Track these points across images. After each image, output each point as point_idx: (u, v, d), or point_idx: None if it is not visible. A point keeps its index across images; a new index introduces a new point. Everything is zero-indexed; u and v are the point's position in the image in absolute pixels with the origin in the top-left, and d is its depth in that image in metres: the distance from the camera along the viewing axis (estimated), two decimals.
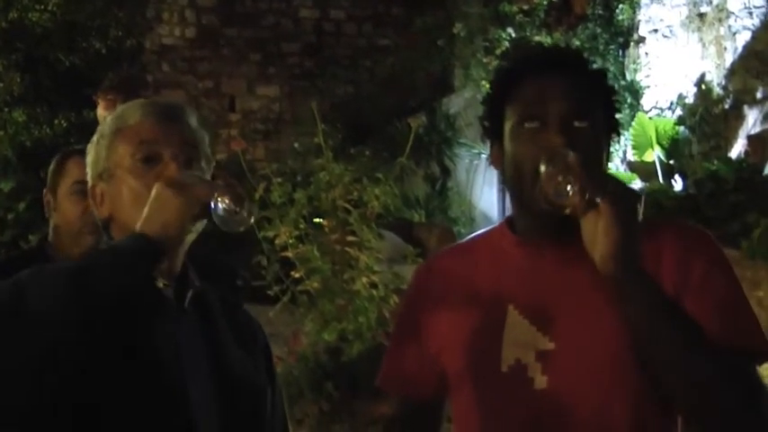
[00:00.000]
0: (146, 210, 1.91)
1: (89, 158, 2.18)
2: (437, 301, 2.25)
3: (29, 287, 1.82)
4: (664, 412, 2.03)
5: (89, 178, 2.17)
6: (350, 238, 5.50)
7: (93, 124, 8.13)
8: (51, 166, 3.48)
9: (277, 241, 5.46)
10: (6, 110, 10.78)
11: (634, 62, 10.07)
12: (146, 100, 2.24)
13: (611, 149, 2.28)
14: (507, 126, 2.13)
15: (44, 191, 3.39)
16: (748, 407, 1.92)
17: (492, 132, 2.21)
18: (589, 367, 2.00)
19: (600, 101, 2.14)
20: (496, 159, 2.19)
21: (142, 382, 1.94)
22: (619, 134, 2.26)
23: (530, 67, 2.18)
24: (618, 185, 1.91)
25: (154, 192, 1.91)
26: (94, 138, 2.18)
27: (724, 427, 1.95)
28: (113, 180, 2.10)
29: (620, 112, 2.30)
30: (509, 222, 2.20)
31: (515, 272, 2.13)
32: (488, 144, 2.24)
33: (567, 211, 1.91)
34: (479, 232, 2.38)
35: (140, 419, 1.93)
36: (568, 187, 1.88)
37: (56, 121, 10.81)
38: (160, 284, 2.04)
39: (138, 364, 1.95)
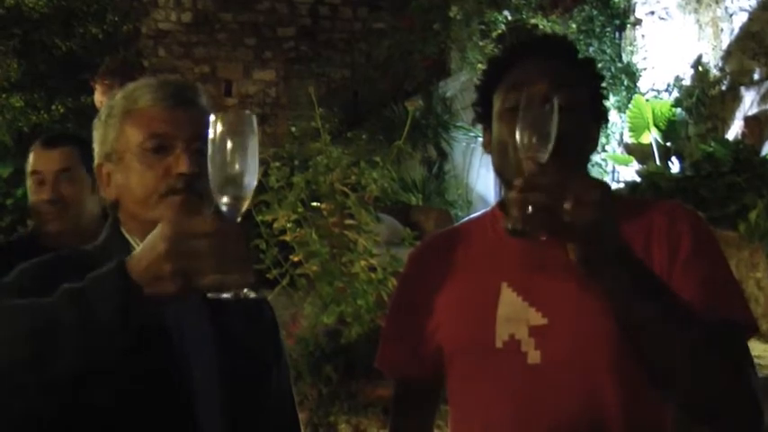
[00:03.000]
0: (145, 242, 1.60)
1: (96, 135, 2.17)
2: (432, 281, 2.29)
3: None
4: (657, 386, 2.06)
5: (96, 156, 2.16)
6: (348, 222, 5.51)
7: (91, 109, 8.16)
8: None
9: (275, 225, 5.47)
10: (4, 95, 10.78)
11: (631, 44, 10.06)
12: (157, 80, 2.19)
13: (605, 134, 2.30)
14: (494, 111, 2.21)
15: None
16: (734, 380, 1.94)
17: (483, 118, 2.29)
18: (582, 342, 2.04)
19: (586, 88, 2.18)
20: (487, 144, 2.27)
21: (142, 360, 1.94)
22: (606, 121, 2.32)
23: (517, 55, 2.24)
24: (581, 184, 1.81)
25: (166, 234, 1.57)
26: (102, 114, 2.16)
27: (709, 401, 1.97)
28: (122, 163, 2.09)
29: (606, 98, 2.32)
30: (501, 205, 2.26)
31: (508, 251, 2.16)
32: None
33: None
34: (472, 216, 2.44)
35: (138, 395, 1.92)
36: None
37: (53, 107, 10.81)
38: None
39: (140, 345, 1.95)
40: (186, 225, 1.56)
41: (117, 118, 2.11)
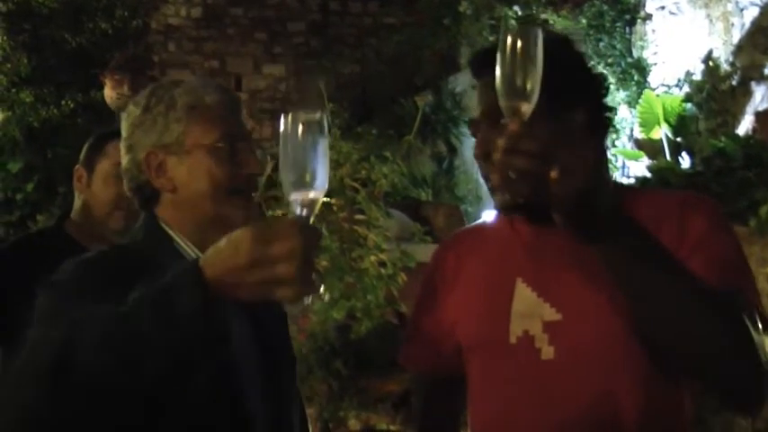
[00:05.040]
0: (223, 247, 1.54)
1: (145, 125, 2.17)
2: (451, 278, 2.32)
3: (75, 347, 1.59)
4: (672, 382, 2.05)
5: (142, 145, 2.18)
6: (358, 217, 5.52)
7: (101, 104, 8.16)
8: (89, 144, 3.52)
9: None
10: (13, 90, 10.77)
11: (641, 39, 10.03)
12: (204, 79, 2.34)
13: (615, 129, 2.27)
14: None
15: (77, 167, 3.42)
16: (740, 351, 1.90)
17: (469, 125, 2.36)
18: (595, 337, 2.04)
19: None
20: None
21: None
22: (606, 122, 2.25)
23: (477, 68, 2.26)
24: (569, 151, 1.76)
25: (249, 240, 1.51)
26: (152, 106, 2.18)
27: (715, 373, 1.93)
28: (188, 157, 2.13)
29: (607, 93, 2.28)
30: None
31: (523, 247, 2.19)
32: None
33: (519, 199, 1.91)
34: (490, 215, 2.44)
35: (195, 398, 1.92)
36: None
37: (63, 102, 10.80)
38: (194, 256, 2.08)
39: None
40: (269, 232, 1.50)
41: (181, 112, 2.15)
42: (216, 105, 2.17)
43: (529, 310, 2.10)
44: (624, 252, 1.83)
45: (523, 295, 2.14)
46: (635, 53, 9.95)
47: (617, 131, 9.40)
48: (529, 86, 1.73)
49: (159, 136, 2.15)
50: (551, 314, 2.08)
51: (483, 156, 2.16)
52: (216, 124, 2.14)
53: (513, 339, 2.13)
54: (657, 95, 9.15)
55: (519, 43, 1.74)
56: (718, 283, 1.93)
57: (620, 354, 2.01)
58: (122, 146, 2.24)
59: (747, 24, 8.74)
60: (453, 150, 12.49)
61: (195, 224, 2.13)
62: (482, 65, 2.21)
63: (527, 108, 1.73)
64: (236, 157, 2.14)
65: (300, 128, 1.61)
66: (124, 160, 2.23)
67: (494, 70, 2.04)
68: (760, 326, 1.93)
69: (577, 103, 2.17)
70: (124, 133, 2.22)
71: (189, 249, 2.13)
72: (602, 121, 2.25)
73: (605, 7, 9.97)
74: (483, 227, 2.42)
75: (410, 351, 2.48)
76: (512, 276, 2.17)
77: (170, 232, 2.14)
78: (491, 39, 10.43)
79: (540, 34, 1.76)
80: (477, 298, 2.22)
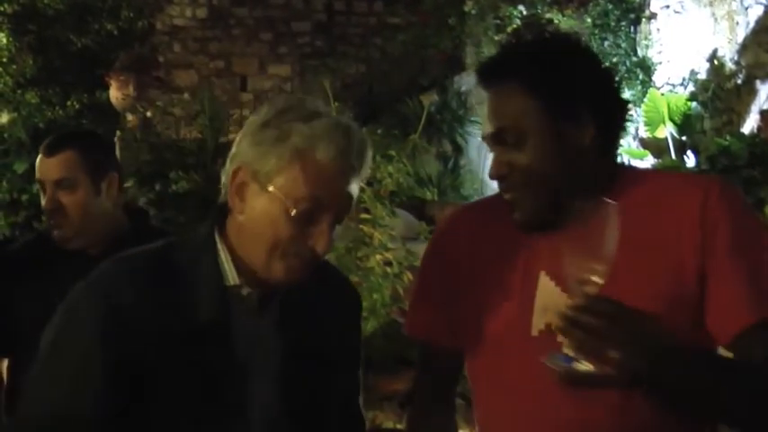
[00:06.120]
0: None
1: (253, 138, 2.05)
2: (467, 257, 2.28)
3: None
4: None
5: (241, 155, 2.06)
6: (364, 216, 5.51)
7: (106, 105, 8.18)
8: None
9: None
10: (19, 92, 10.81)
11: (646, 38, 10.03)
12: (342, 124, 2.07)
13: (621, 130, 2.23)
14: None
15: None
16: None
17: None
18: None
19: (542, 101, 2.09)
20: None
21: (207, 366, 2.02)
22: (613, 128, 2.22)
23: (486, 77, 2.20)
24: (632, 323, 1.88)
25: None
26: (270, 124, 2.04)
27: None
28: (267, 194, 2.01)
29: (606, 97, 2.21)
30: None
31: (547, 238, 2.15)
32: None
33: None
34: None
35: (197, 413, 2.01)
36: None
37: (68, 103, 10.82)
38: (244, 292, 2.07)
39: (206, 352, 2.02)
40: None
41: (288, 151, 2.00)
42: (325, 163, 1.99)
43: (552, 303, 2.07)
44: (690, 386, 1.94)
45: (547, 288, 2.12)
46: (640, 52, 9.96)
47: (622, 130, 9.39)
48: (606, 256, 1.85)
49: (257, 158, 2.02)
50: None
51: (498, 177, 2.16)
52: (310, 182, 1.98)
53: (534, 332, 2.12)
54: (662, 94, 9.16)
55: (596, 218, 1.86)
56: (751, 306, 1.97)
57: None
58: (234, 146, 2.12)
59: (752, 23, 8.74)
60: (459, 150, 12.50)
61: (247, 254, 2.06)
62: (491, 73, 2.18)
63: (600, 277, 1.85)
64: (311, 224, 1.99)
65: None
66: (227, 163, 2.12)
67: (502, 79, 2.10)
68: None
69: (584, 119, 2.12)
70: (239, 136, 2.11)
71: (229, 271, 2.07)
72: (612, 139, 2.23)
73: (610, 6, 9.97)
74: (496, 205, 2.28)
75: (419, 317, 2.46)
76: (536, 268, 2.16)
77: (219, 247, 2.08)
78: (496, 38, 10.44)
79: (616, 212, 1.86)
80: (500, 288, 2.20)
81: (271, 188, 1.99)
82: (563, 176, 2.11)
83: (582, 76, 2.13)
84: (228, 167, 2.08)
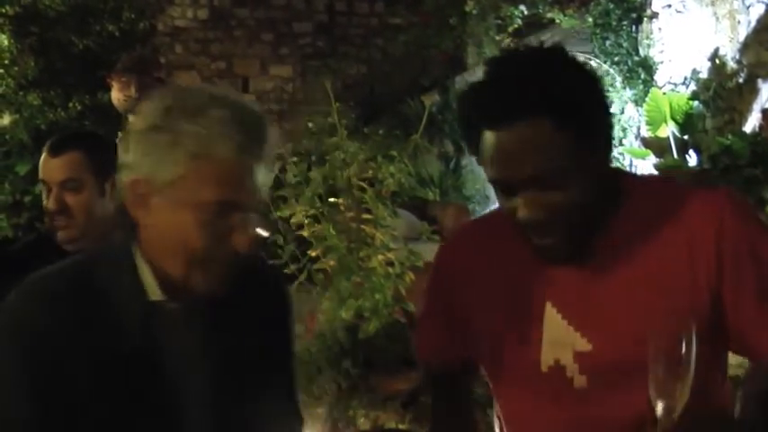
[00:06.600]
0: None
1: (144, 146, 1.91)
2: (473, 282, 2.22)
3: None
4: (703, 394, 2.04)
5: (135, 166, 1.92)
6: (365, 216, 5.51)
7: (108, 107, 8.16)
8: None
9: (293, 220, 5.48)
10: (21, 93, 10.79)
11: (647, 37, 10.02)
12: (232, 110, 1.91)
13: (621, 127, 2.20)
14: (483, 157, 2.06)
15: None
16: None
17: (470, 148, 2.13)
18: (629, 368, 1.97)
19: (567, 133, 1.92)
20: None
21: (137, 385, 1.94)
22: (608, 142, 2.11)
23: (493, 120, 1.98)
24: None
25: None
26: (159, 128, 1.89)
27: None
28: (173, 204, 1.89)
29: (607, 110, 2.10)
30: None
31: (550, 269, 2.10)
32: None
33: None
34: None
35: (128, 416, 1.94)
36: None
37: (70, 104, 10.82)
38: (168, 306, 1.97)
39: (134, 372, 1.94)
40: None
41: (183, 156, 1.86)
42: (224, 162, 1.86)
43: (560, 338, 2.05)
44: None
45: (554, 322, 2.08)
46: (641, 51, 9.94)
47: (624, 130, 9.40)
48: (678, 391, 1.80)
49: (151, 169, 1.89)
50: (583, 344, 2.02)
51: (536, 223, 2.00)
52: (215, 183, 1.86)
53: (544, 368, 2.08)
54: (664, 93, 9.15)
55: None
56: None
57: None
58: (121, 154, 1.96)
59: (753, 22, 8.73)
60: (460, 150, 12.49)
61: (164, 267, 1.94)
62: (508, 111, 1.94)
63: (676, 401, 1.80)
64: (225, 225, 1.88)
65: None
66: (119, 175, 1.98)
67: (526, 115, 1.89)
68: None
69: (601, 141, 2.04)
70: (124, 143, 1.96)
71: (149, 286, 1.96)
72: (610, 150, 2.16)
73: (611, 6, 9.96)
74: (501, 222, 2.17)
75: (427, 341, 2.43)
76: (541, 298, 2.10)
77: (138, 262, 1.96)
78: (497, 38, 10.44)
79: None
80: (506, 319, 2.15)
81: (173, 197, 1.87)
82: (597, 204, 2.03)
83: (592, 95, 2.02)
84: (122, 179, 1.94)
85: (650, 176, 1.99)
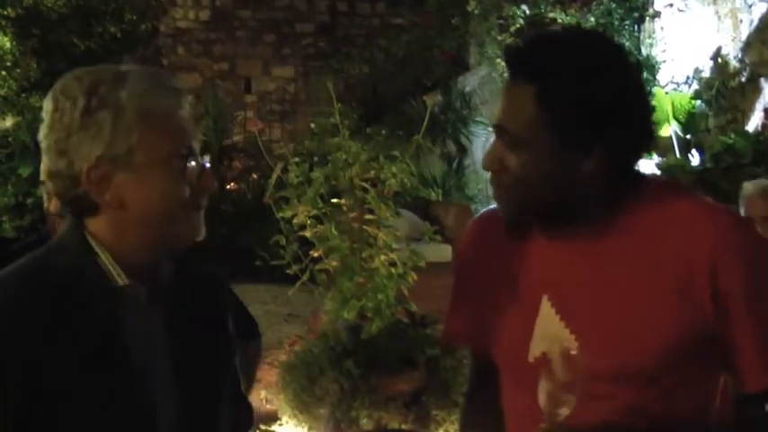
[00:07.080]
0: None
1: (86, 132, 1.89)
2: (485, 268, 2.24)
3: None
4: (697, 411, 2.03)
5: (82, 154, 1.90)
6: (368, 217, 5.51)
7: None
8: None
9: (295, 221, 5.48)
10: (23, 95, 10.82)
11: (650, 37, 10.02)
12: (152, 72, 1.98)
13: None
14: None
15: None
16: None
17: None
18: (617, 368, 1.99)
19: (547, 110, 1.94)
20: None
21: (107, 374, 1.93)
22: (635, 144, 2.11)
23: (507, 65, 2.08)
24: None
25: None
26: (93, 108, 1.88)
27: None
28: (139, 173, 1.90)
29: (631, 115, 2.02)
30: None
31: (553, 260, 2.11)
32: None
33: None
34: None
35: (101, 407, 1.92)
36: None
37: None
38: (133, 291, 1.97)
39: (104, 360, 1.92)
40: None
41: (132, 120, 1.88)
42: (172, 110, 1.92)
43: (550, 332, 2.04)
44: None
45: (547, 316, 2.08)
46: (644, 51, 9.95)
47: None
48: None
49: (106, 147, 1.87)
50: (570, 341, 1.99)
51: (489, 170, 2.07)
52: (171, 135, 1.91)
53: (531, 359, 2.08)
54: (666, 93, 9.15)
55: None
56: (762, 372, 1.97)
57: (644, 385, 1.96)
58: (49, 146, 1.93)
59: (755, 21, 8.73)
60: (463, 150, 12.50)
61: (137, 244, 1.95)
62: (514, 64, 2.04)
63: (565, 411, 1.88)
64: (192, 174, 1.93)
65: None
66: (53, 164, 1.93)
67: (522, 75, 1.97)
68: None
69: (593, 150, 1.99)
70: (50, 132, 1.91)
71: (114, 272, 1.95)
72: (634, 155, 2.14)
73: (614, 5, 9.97)
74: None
75: (452, 330, 2.43)
76: (539, 291, 2.10)
77: (97, 249, 1.95)
78: (499, 38, 10.45)
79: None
80: (506, 308, 2.15)
81: (138, 164, 1.89)
82: (549, 194, 2.01)
83: (607, 95, 1.96)
84: (64, 171, 1.92)
85: (669, 184, 1.95)
